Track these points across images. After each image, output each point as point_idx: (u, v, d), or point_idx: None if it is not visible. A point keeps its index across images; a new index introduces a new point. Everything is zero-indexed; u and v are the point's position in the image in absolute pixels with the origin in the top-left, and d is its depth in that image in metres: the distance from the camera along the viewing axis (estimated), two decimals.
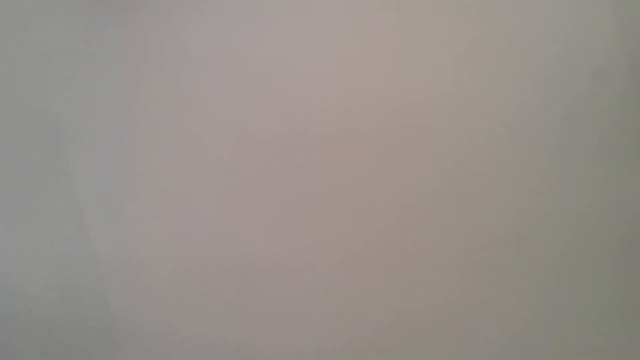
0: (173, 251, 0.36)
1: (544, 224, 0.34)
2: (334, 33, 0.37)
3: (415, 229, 0.28)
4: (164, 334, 0.35)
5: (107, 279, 0.35)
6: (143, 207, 0.36)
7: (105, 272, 0.35)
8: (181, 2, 0.37)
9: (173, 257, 0.36)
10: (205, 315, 0.36)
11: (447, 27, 0.37)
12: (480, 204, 0.28)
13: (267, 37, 0.37)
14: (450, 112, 0.33)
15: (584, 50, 0.37)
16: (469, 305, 0.33)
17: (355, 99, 0.36)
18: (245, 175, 0.32)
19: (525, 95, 0.32)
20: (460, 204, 0.32)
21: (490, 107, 0.33)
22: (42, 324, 0.35)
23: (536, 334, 0.34)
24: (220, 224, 0.36)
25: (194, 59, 0.37)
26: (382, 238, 0.33)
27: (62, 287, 0.35)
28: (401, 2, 0.38)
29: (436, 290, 0.34)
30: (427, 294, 0.35)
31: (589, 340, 0.33)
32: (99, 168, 0.36)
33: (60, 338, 0.35)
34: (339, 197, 0.34)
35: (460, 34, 0.37)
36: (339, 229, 0.34)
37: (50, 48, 0.37)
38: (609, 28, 0.38)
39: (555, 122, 0.36)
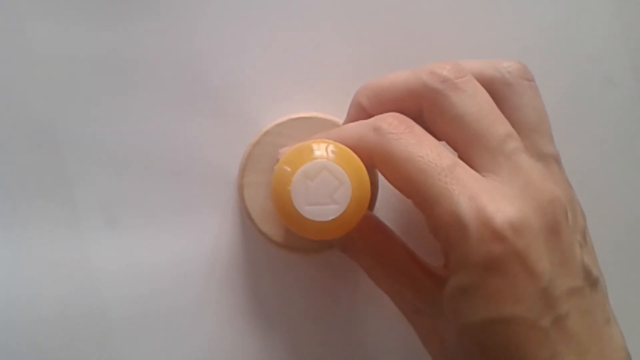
0: (172, 259, 0.35)
1: None
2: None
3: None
4: (162, 343, 0.35)
5: (105, 287, 0.35)
6: (142, 214, 0.35)
7: (103, 279, 0.35)
8: (183, 6, 0.36)
9: (172, 265, 0.35)
10: (208, 322, 0.35)
11: (452, 37, 0.37)
12: None
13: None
14: None
15: (591, 57, 0.37)
16: None
17: None
18: None
19: None
20: None
21: None
22: (38, 332, 0.34)
23: None
24: (222, 232, 0.36)
25: (192, 63, 0.35)
26: None
27: (58, 294, 0.34)
28: (386, 18, 0.37)
29: None
30: None
31: None
32: (97, 174, 0.35)
33: (56, 346, 0.34)
34: None
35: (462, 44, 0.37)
36: None
37: (47, 51, 0.34)
38: (614, 34, 0.38)
39: (565, 127, 0.36)
